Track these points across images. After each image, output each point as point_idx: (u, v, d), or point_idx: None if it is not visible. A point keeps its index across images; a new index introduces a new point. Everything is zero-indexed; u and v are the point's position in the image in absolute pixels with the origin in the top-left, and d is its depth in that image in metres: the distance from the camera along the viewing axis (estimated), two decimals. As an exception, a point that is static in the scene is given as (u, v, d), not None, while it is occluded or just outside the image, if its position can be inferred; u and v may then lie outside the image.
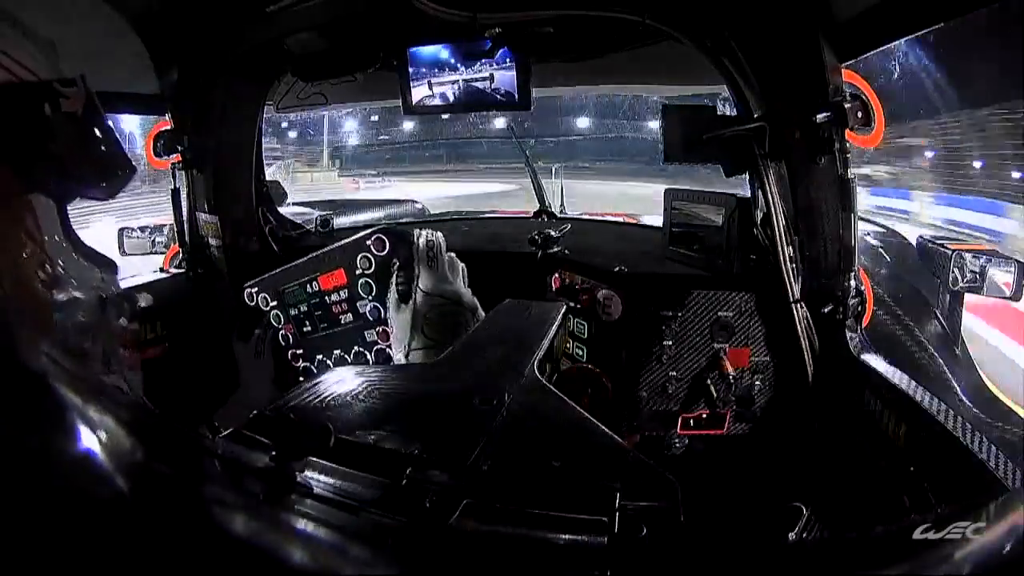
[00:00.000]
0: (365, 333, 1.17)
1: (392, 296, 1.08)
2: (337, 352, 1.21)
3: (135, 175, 0.83)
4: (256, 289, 1.25)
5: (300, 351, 1.25)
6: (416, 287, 1.06)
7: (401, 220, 2.50)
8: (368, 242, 1.12)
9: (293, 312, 1.23)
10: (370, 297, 1.14)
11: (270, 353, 1.36)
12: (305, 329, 1.23)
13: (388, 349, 1.13)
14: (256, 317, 1.30)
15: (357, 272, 1.14)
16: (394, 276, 1.09)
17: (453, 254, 1.10)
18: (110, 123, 0.79)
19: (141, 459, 0.23)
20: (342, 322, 1.19)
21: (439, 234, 1.08)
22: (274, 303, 1.24)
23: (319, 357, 1.23)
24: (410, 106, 1.71)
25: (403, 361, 1.06)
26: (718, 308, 1.32)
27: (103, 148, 0.77)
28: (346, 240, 1.16)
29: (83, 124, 0.73)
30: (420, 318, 1.04)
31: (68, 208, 0.78)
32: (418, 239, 1.06)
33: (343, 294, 1.17)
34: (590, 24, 1.38)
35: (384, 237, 1.11)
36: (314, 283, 1.20)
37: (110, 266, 0.87)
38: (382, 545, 0.27)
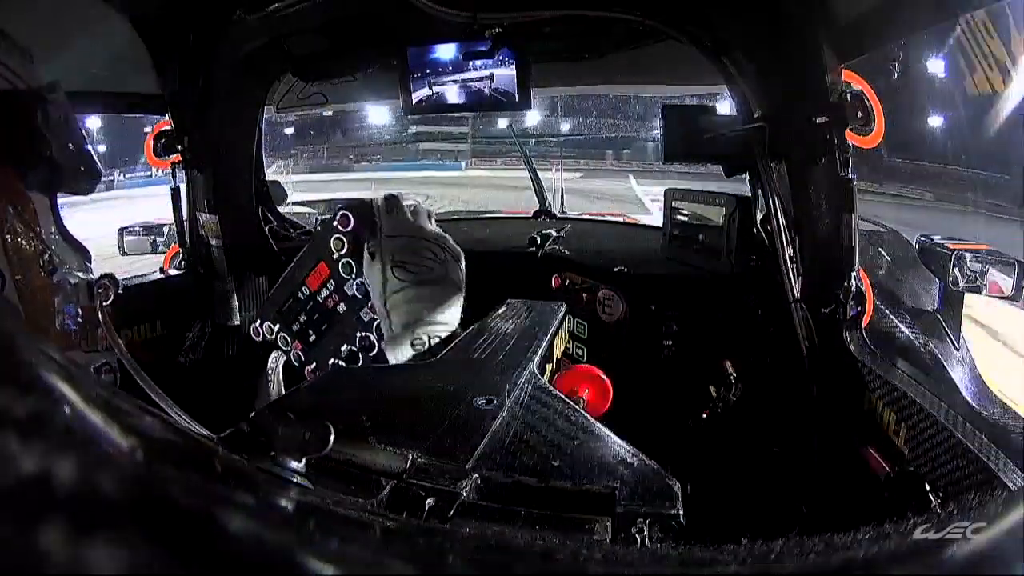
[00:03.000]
0: (361, 314, 1.16)
1: (366, 259, 1.09)
2: (344, 348, 1.20)
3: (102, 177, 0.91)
4: (259, 322, 1.25)
5: (312, 365, 1.24)
6: (380, 238, 1.05)
7: None
8: (335, 223, 1.13)
9: (296, 327, 1.22)
10: (352, 276, 1.15)
11: (282, 382, 1.36)
12: (311, 339, 1.22)
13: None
14: (267, 350, 1.29)
15: (335, 257, 1.15)
16: (366, 244, 1.09)
17: (419, 202, 1.10)
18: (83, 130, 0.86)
19: (140, 459, 0.23)
20: (339, 312, 1.18)
21: (399, 192, 1.09)
22: (277, 326, 1.24)
23: (331, 362, 1.22)
24: (410, 106, 1.71)
25: (385, 314, 1.05)
26: (718, 308, 1.32)
27: (80, 150, 0.84)
28: (315, 232, 1.17)
29: (66, 128, 0.78)
30: (388, 262, 1.04)
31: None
32: (377, 199, 1.07)
33: (331, 285, 1.17)
34: (590, 24, 1.39)
35: (347, 212, 1.12)
36: (304, 288, 1.20)
37: (83, 252, 0.93)
38: (382, 545, 0.27)
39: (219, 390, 1.55)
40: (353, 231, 1.11)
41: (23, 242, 0.73)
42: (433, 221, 1.10)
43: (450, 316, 1.05)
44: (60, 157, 0.77)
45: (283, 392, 1.11)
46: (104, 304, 0.92)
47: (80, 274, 0.89)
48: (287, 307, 1.22)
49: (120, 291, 0.99)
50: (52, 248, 0.80)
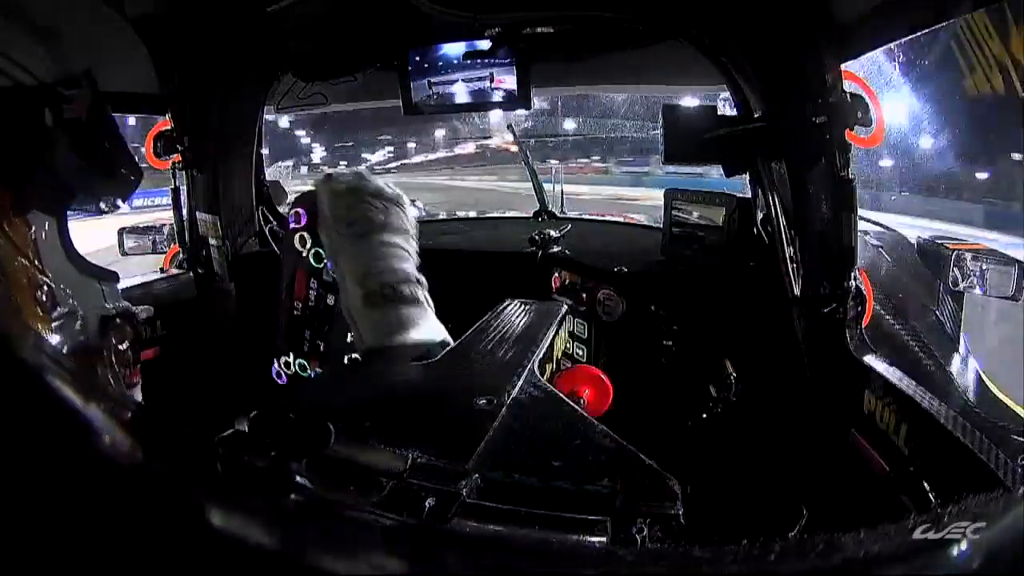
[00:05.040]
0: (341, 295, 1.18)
1: (323, 238, 1.07)
2: (350, 336, 1.20)
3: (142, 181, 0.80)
4: (277, 362, 1.25)
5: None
6: (322, 211, 1.04)
7: None
8: (292, 224, 1.14)
9: (306, 346, 1.22)
10: (324, 263, 1.16)
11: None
12: (321, 350, 1.22)
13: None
14: (288, 245, 1.30)
15: (304, 255, 1.15)
16: (320, 227, 1.08)
17: (358, 170, 1.10)
18: (116, 125, 0.76)
19: (140, 459, 0.23)
20: (331, 305, 1.19)
21: (344, 174, 1.08)
22: (292, 355, 1.24)
23: (345, 359, 1.22)
24: (410, 106, 1.71)
25: (341, 278, 1.02)
26: (718, 308, 1.32)
27: (108, 153, 0.73)
28: (282, 246, 1.18)
29: (88, 129, 0.68)
30: (331, 226, 1.01)
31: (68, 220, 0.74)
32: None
33: (314, 284, 1.18)
34: (590, 24, 1.39)
35: (297, 208, 1.13)
36: (296, 305, 1.20)
37: (111, 279, 0.84)
38: (382, 545, 0.27)
39: (219, 390, 1.55)
40: (308, 223, 1.12)
41: (14, 275, 0.61)
42: (373, 179, 1.08)
43: (399, 263, 1.01)
44: (75, 166, 0.66)
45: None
46: (118, 347, 0.83)
47: (82, 308, 0.76)
48: (290, 331, 1.22)
49: (139, 326, 0.89)
50: (53, 279, 0.67)
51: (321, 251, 1.14)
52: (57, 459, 0.20)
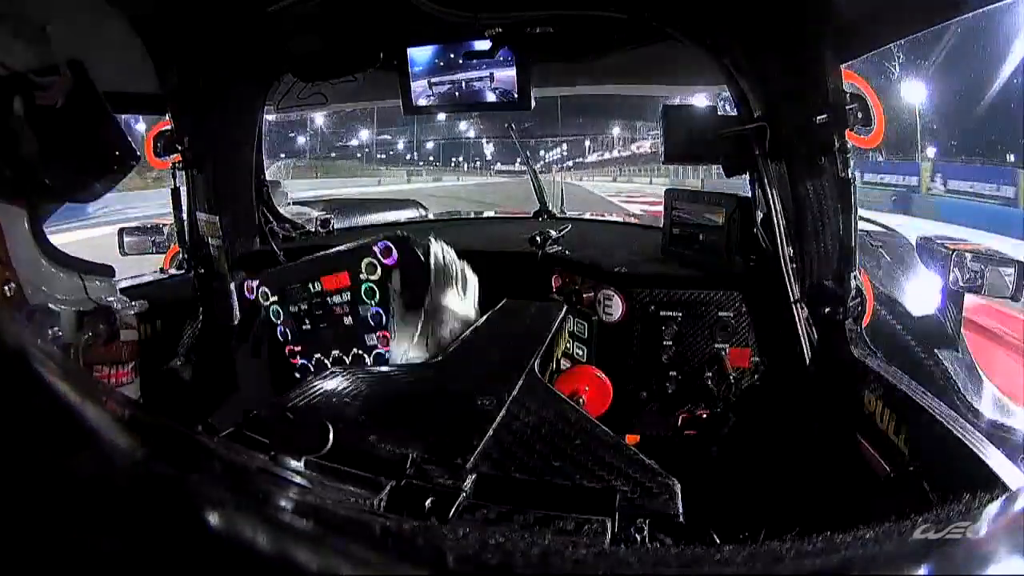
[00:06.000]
0: (365, 336, 1.17)
1: (397, 303, 1.06)
2: (335, 352, 1.21)
3: (138, 164, 0.76)
4: (257, 283, 1.25)
5: (298, 348, 1.24)
6: (428, 299, 1.02)
7: (401, 222, 2.50)
8: (375, 248, 1.12)
9: (293, 309, 1.22)
10: (373, 302, 1.14)
11: (267, 349, 1.35)
12: (304, 327, 1.23)
13: (387, 354, 1.11)
14: (254, 312, 1.29)
15: (362, 276, 1.14)
16: (399, 283, 1.07)
17: (466, 265, 1.07)
18: (107, 109, 0.72)
19: (140, 459, 0.23)
20: (344, 323, 1.19)
21: (450, 249, 1.05)
22: (274, 298, 1.24)
23: (317, 355, 1.23)
24: (410, 106, 1.72)
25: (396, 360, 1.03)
26: (718, 308, 1.32)
27: (94, 139, 0.70)
28: (353, 244, 1.16)
29: (66, 116, 0.66)
30: (427, 333, 1.00)
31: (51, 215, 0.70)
32: (429, 250, 1.04)
33: (345, 296, 1.17)
34: (590, 24, 1.39)
35: (392, 245, 1.10)
36: (316, 283, 1.19)
37: (104, 273, 0.81)
38: (382, 545, 0.27)
39: (217, 390, 1.56)
40: (392, 267, 1.10)
41: None
42: (476, 293, 1.07)
43: None
44: (49, 155, 0.64)
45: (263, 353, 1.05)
46: (89, 343, 0.79)
47: (59, 304, 0.72)
48: (292, 289, 1.22)
49: (116, 323, 0.86)
50: (23, 275, 0.64)
51: (377, 291, 1.12)
52: (55, 458, 0.20)
